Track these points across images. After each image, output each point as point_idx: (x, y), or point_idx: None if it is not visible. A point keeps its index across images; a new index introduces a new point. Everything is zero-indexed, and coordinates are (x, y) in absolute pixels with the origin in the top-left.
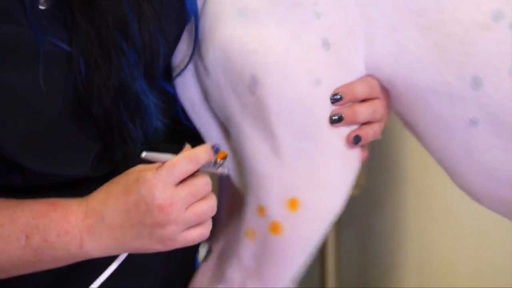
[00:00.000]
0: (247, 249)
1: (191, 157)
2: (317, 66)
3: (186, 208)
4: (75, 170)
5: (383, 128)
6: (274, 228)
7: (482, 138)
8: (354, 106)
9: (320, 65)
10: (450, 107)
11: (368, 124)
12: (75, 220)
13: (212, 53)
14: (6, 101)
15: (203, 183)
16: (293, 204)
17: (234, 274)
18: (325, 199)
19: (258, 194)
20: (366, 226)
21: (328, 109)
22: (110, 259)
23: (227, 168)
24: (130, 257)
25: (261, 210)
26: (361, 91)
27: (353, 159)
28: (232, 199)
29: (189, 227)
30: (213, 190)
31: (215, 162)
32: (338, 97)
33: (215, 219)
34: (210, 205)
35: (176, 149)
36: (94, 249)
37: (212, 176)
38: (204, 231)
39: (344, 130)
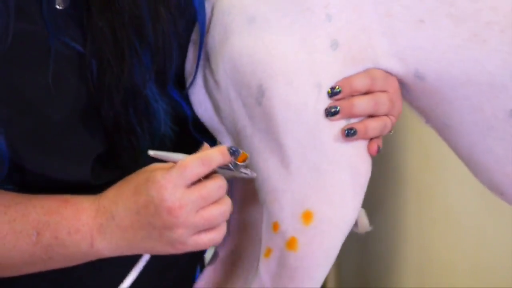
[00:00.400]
0: (265, 268)
1: (203, 158)
2: (320, 68)
3: (197, 211)
4: (76, 175)
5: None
6: (290, 244)
7: None
8: (351, 99)
9: (323, 67)
10: (490, 98)
11: (372, 117)
12: (86, 218)
13: (222, 66)
14: (11, 100)
15: (216, 186)
16: (307, 217)
17: None
18: (337, 209)
19: (271, 210)
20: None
21: None
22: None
23: (250, 170)
24: (132, 260)
25: (276, 227)
26: (361, 84)
27: (363, 165)
28: (241, 203)
29: (200, 231)
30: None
31: (236, 165)
32: (336, 90)
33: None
34: (222, 209)
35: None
36: (105, 248)
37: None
38: (216, 236)
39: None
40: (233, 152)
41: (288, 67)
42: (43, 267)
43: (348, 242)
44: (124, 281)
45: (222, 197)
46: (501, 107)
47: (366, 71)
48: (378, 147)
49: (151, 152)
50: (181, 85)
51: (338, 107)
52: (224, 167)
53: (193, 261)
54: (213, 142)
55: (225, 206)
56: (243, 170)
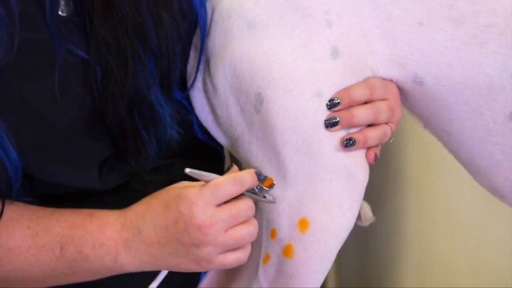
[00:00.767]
0: (264, 274)
1: (236, 179)
2: (321, 77)
3: (226, 231)
4: (83, 181)
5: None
6: (287, 251)
7: None
8: (350, 109)
9: (324, 76)
10: (489, 101)
11: (371, 126)
12: (111, 232)
13: (221, 71)
14: (18, 109)
15: (246, 206)
16: (303, 225)
17: None
18: (334, 218)
19: (269, 217)
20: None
21: None
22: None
23: (272, 196)
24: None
25: (273, 234)
26: (360, 94)
27: (361, 173)
28: None
29: (227, 250)
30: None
31: (261, 189)
32: (335, 102)
33: None
34: (250, 230)
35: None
36: (129, 263)
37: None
38: (242, 255)
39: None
40: (260, 176)
41: (288, 74)
42: (65, 281)
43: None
44: None
45: (250, 218)
46: (500, 110)
47: (365, 81)
48: (376, 155)
49: (187, 170)
50: (185, 88)
51: (338, 118)
52: (249, 190)
53: None
54: (219, 145)
55: (253, 227)
56: (267, 195)
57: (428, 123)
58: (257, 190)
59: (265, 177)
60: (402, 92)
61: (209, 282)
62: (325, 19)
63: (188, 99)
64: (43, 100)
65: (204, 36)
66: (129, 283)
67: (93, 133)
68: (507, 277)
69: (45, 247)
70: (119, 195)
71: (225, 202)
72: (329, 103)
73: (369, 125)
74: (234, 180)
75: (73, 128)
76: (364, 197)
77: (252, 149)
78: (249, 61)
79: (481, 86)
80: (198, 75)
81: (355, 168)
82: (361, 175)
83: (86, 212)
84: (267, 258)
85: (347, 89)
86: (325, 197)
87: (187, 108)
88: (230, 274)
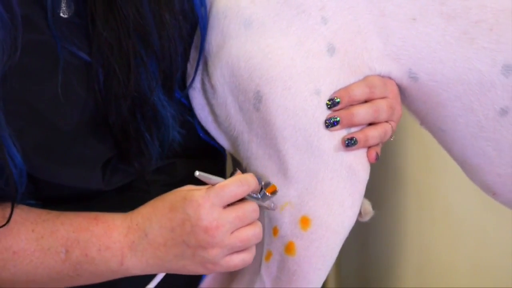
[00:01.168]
0: (266, 271)
1: (242, 181)
2: (318, 75)
3: (232, 233)
4: (87, 182)
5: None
6: (289, 248)
7: None
8: (351, 108)
9: (322, 74)
10: (480, 97)
11: (372, 125)
12: (117, 235)
13: (219, 71)
14: (22, 112)
15: (251, 209)
16: (304, 222)
17: None
18: (336, 215)
19: (271, 215)
20: (366, 226)
21: None
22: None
23: (273, 203)
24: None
25: (275, 231)
26: (360, 93)
27: (362, 172)
28: None
29: (233, 252)
30: None
31: (264, 195)
32: (335, 101)
33: None
34: (256, 231)
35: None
36: (134, 266)
37: None
38: (247, 257)
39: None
40: (262, 182)
41: (286, 72)
42: (69, 283)
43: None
44: None
45: (256, 220)
46: (490, 106)
47: (365, 79)
48: (377, 154)
49: (197, 173)
50: (185, 88)
51: (338, 118)
52: (251, 196)
53: None
54: (220, 144)
55: (258, 228)
56: (268, 202)
57: (425, 121)
58: (260, 196)
59: (268, 184)
60: (400, 90)
61: (211, 280)
62: (320, 15)
63: (187, 98)
64: (47, 102)
65: (204, 36)
66: (128, 284)
67: (96, 134)
68: (507, 277)
69: (50, 250)
70: (123, 195)
71: (231, 205)
72: (329, 102)
73: (370, 124)
74: (239, 181)
75: (76, 130)
76: (365, 197)
77: (252, 148)
78: (247, 60)
79: (472, 81)
80: (197, 77)
81: (356, 166)
82: (362, 173)
83: (91, 215)
84: (269, 255)
85: (346, 88)
86: (326, 195)
87: (188, 108)
88: (232, 272)
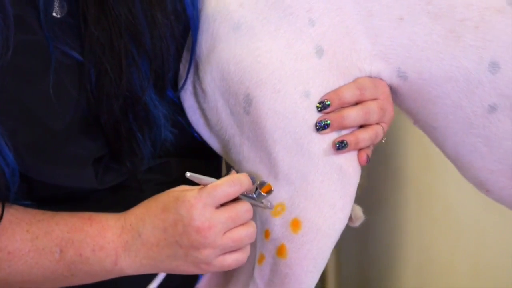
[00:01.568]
0: (259, 274)
1: (234, 180)
2: (308, 77)
3: (224, 233)
4: (80, 181)
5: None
6: (280, 251)
7: (502, 124)
8: (341, 111)
9: (311, 76)
10: (468, 94)
11: (363, 128)
12: (111, 235)
13: (210, 75)
14: (15, 112)
15: (244, 209)
16: (295, 225)
17: None
18: (325, 217)
19: (263, 218)
20: (366, 226)
21: None
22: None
23: (269, 202)
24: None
25: (267, 234)
26: (350, 95)
27: (350, 171)
28: None
29: (226, 252)
30: None
31: (259, 194)
32: (326, 104)
33: None
34: (249, 231)
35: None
36: (128, 266)
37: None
38: (240, 257)
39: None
40: (255, 180)
41: (275, 75)
42: (64, 283)
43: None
44: None
45: (249, 220)
46: (478, 103)
47: (355, 81)
48: (368, 157)
49: (188, 174)
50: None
51: (329, 121)
52: (247, 195)
53: None
54: None
55: (252, 228)
56: (264, 201)
57: (417, 119)
58: (255, 196)
59: (263, 183)
60: (391, 90)
61: (206, 283)
62: (308, 17)
63: (180, 99)
64: (39, 102)
65: (196, 37)
66: (128, 285)
67: (89, 134)
68: (507, 277)
69: (45, 250)
70: (117, 194)
71: (224, 205)
72: (319, 105)
73: (361, 126)
74: (231, 181)
75: (68, 129)
76: (364, 197)
77: (244, 151)
78: (236, 63)
79: (460, 79)
80: (189, 80)
81: (347, 169)
82: (353, 176)
83: (85, 215)
84: (262, 258)
85: (337, 91)
86: (316, 198)
87: (181, 108)
88: (227, 274)
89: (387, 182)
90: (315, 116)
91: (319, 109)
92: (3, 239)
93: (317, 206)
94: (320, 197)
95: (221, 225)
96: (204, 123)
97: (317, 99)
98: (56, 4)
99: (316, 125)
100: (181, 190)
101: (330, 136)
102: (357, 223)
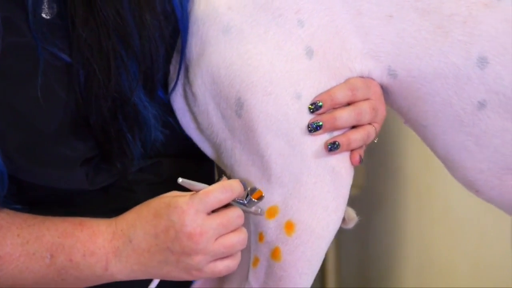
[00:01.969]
0: (254, 277)
1: (225, 186)
2: (298, 79)
3: (216, 239)
4: (71, 182)
5: (383, 129)
6: (274, 254)
7: (492, 121)
8: (333, 112)
9: (301, 77)
10: (457, 91)
11: (355, 128)
12: (102, 241)
13: (200, 79)
14: (4, 113)
15: (236, 215)
16: (289, 227)
17: None
18: (319, 219)
19: (256, 221)
20: (366, 226)
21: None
22: None
23: (260, 208)
24: None
25: (261, 237)
26: (342, 96)
27: (343, 172)
28: None
29: (217, 259)
30: None
31: (251, 201)
32: (318, 105)
33: None
34: (241, 237)
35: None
36: (119, 272)
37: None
38: (231, 263)
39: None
40: (249, 188)
41: (266, 77)
42: None
43: (348, 242)
44: None
45: (240, 226)
46: (467, 100)
47: (346, 82)
48: (360, 157)
49: (180, 180)
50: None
51: (321, 122)
52: (238, 201)
53: None
54: None
55: (243, 235)
56: (254, 207)
57: (407, 118)
58: (246, 202)
59: (254, 189)
60: (382, 89)
61: (203, 282)
62: (297, 18)
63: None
64: (28, 104)
65: (186, 39)
66: (129, 285)
67: (79, 135)
68: (507, 277)
69: (36, 255)
70: (107, 195)
71: (215, 211)
72: (311, 107)
73: (353, 127)
74: (223, 187)
75: (58, 131)
76: (364, 197)
77: (235, 154)
78: (227, 67)
79: (449, 75)
80: (179, 82)
81: (339, 170)
82: (346, 177)
83: (76, 220)
84: (256, 261)
85: (329, 92)
86: (309, 200)
87: (171, 109)
88: (222, 278)
89: (387, 182)
90: (306, 117)
91: (311, 110)
92: None
93: (311, 208)
94: (313, 199)
95: (213, 231)
96: (195, 126)
97: (309, 101)
98: (45, 5)
99: (308, 126)
100: (172, 196)
101: (322, 138)
102: (350, 225)
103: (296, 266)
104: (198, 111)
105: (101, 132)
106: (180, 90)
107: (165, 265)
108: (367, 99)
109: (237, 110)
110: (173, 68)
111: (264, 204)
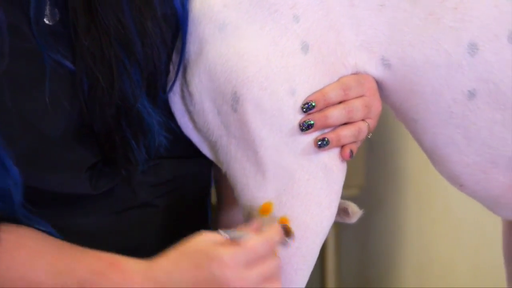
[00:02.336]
0: None
1: (269, 240)
2: (294, 74)
3: None
4: (75, 188)
5: (383, 129)
6: None
7: (481, 112)
8: (324, 110)
9: (297, 72)
10: (448, 79)
11: (345, 125)
12: (131, 284)
13: (197, 77)
14: (12, 120)
15: (276, 265)
16: (283, 223)
17: None
18: (313, 215)
19: (250, 217)
20: (366, 226)
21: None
22: None
23: (287, 240)
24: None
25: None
26: (334, 95)
27: (335, 169)
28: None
29: None
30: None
31: (286, 242)
32: (311, 105)
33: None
34: (279, 286)
35: None
36: None
37: None
38: None
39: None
40: (284, 229)
41: (261, 72)
42: None
43: (348, 242)
44: None
45: (278, 276)
46: (459, 89)
47: (339, 81)
48: (351, 152)
49: (221, 233)
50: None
51: (312, 121)
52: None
53: None
54: None
55: (279, 284)
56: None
57: (399, 113)
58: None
59: (285, 227)
60: (377, 83)
61: None
62: (292, 13)
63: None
64: (35, 110)
65: (185, 38)
66: None
67: (84, 141)
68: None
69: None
70: (109, 198)
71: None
72: (304, 106)
73: (344, 123)
74: (267, 241)
75: (63, 137)
76: (364, 197)
77: (231, 150)
78: (223, 63)
79: (441, 63)
80: (177, 83)
81: (331, 167)
82: (337, 174)
83: (109, 259)
84: None
85: (321, 91)
86: (303, 196)
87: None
88: None
89: (387, 182)
90: (299, 114)
91: (304, 110)
92: (27, 269)
93: (304, 204)
94: (307, 196)
95: (254, 285)
96: (193, 126)
97: (303, 97)
98: (47, 11)
99: (300, 125)
100: (212, 243)
101: (315, 135)
102: (354, 219)
103: (291, 262)
104: (194, 110)
105: (106, 139)
106: (178, 90)
107: None
108: (360, 96)
109: (233, 104)
110: (172, 68)
111: (259, 200)
